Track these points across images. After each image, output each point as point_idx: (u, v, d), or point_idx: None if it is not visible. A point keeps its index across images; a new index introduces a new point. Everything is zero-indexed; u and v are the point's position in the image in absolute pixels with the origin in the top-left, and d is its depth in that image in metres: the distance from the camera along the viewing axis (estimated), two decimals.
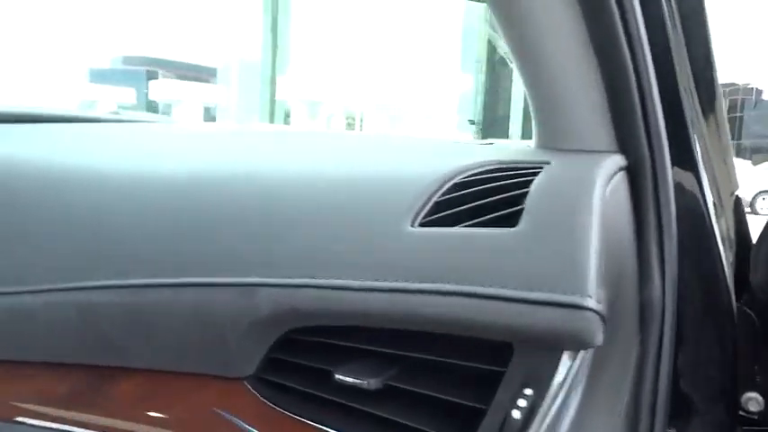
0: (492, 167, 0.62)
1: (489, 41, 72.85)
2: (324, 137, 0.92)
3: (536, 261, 0.47)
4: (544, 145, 0.74)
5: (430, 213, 0.54)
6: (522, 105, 68.62)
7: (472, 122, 33.55)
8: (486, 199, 0.55)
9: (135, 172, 0.63)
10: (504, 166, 0.63)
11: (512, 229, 0.50)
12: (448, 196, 0.56)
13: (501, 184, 0.58)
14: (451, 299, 0.46)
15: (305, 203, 0.55)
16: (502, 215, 0.53)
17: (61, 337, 0.56)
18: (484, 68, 74.92)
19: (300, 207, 0.55)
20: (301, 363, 0.54)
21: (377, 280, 0.48)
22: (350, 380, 0.50)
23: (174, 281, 0.52)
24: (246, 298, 0.51)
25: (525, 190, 0.56)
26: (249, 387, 0.53)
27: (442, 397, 0.49)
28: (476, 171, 0.61)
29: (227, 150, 0.76)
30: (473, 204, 0.55)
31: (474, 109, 68.49)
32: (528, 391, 0.46)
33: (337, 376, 0.50)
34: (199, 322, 0.52)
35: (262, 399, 0.52)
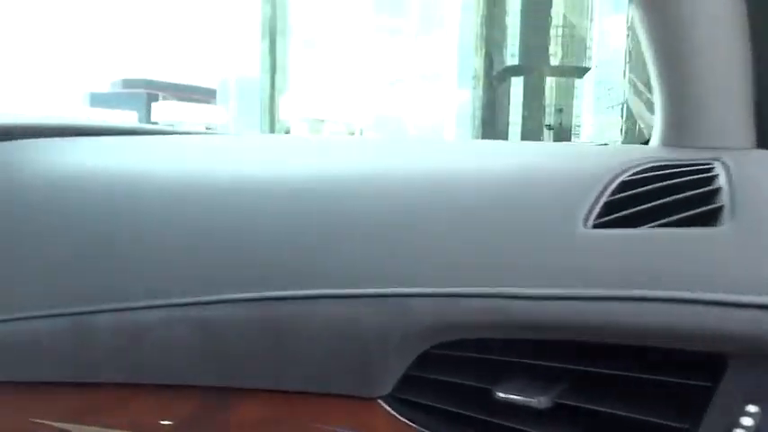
0: (653, 165, 0.59)
1: (486, 56, 73.48)
2: (415, 144, 0.86)
3: (752, 262, 0.43)
4: (672, 143, 0.69)
5: (602, 215, 0.50)
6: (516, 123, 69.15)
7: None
8: (662, 198, 0.51)
9: (248, 180, 0.60)
10: (666, 163, 0.59)
11: (716, 228, 0.46)
12: (618, 196, 0.53)
13: (673, 183, 0.54)
14: (650, 305, 0.42)
15: (453, 208, 0.52)
16: (692, 215, 0.48)
17: (177, 356, 0.52)
18: (481, 84, 75.24)
19: (447, 212, 0.52)
20: (446, 380, 0.49)
21: (551, 287, 0.44)
22: (516, 398, 0.45)
23: (309, 293, 0.49)
24: (397, 310, 0.47)
25: (709, 188, 0.52)
26: (386, 407, 0.49)
27: (628, 415, 0.44)
28: (639, 170, 0.57)
29: (328, 157, 0.71)
30: (651, 204, 0.50)
31: (472, 123, 68.73)
32: (752, 409, 0.41)
33: (500, 394, 0.46)
34: (337, 337, 0.49)
35: (402, 419, 0.49)
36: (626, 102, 43.20)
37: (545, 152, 0.73)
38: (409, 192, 0.54)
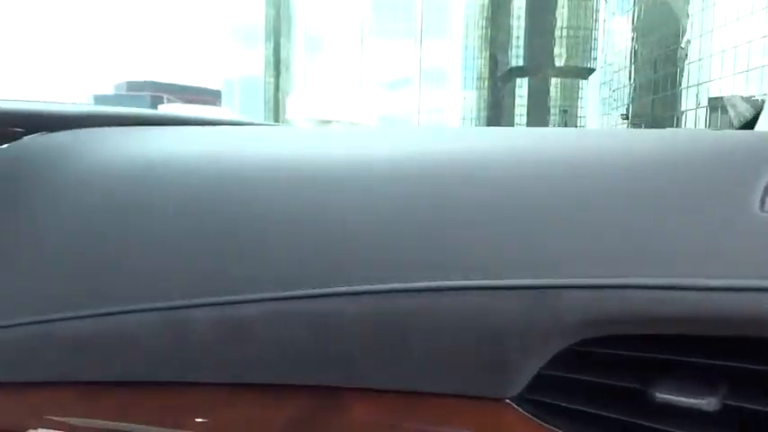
0: None
1: (491, 58, 73.42)
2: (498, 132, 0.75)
3: None
4: None
5: None
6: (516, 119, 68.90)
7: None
8: None
9: (354, 166, 0.57)
10: None
11: None
12: None
13: None
14: None
15: (602, 192, 0.49)
16: None
17: (284, 353, 0.50)
18: (486, 85, 75.18)
19: (596, 196, 0.49)
20: (584, 379, 0.46)
21: (727, 277, 0.40)
22: (681, 399, 0.41)
23: (434, 285, 0.46)
24: (543, 302, 0.44)
25: None
26: (517, 408, 0.46)
27: None
28: None
29: (426, 143, 0.66)
30: None
31: (476, 124, 68.59)
32: None
33: (661, 395, 0.42)
34: (466, 333, 0.45)
35: (537, 422, 0.45)
36: (630, 103, 43.12)
37: (682, 138, 0.65)
38: (545, 176, 0.51)
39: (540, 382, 0.46)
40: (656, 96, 38.99)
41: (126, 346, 0.52)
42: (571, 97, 70.96)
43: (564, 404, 0.45)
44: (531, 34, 68.26)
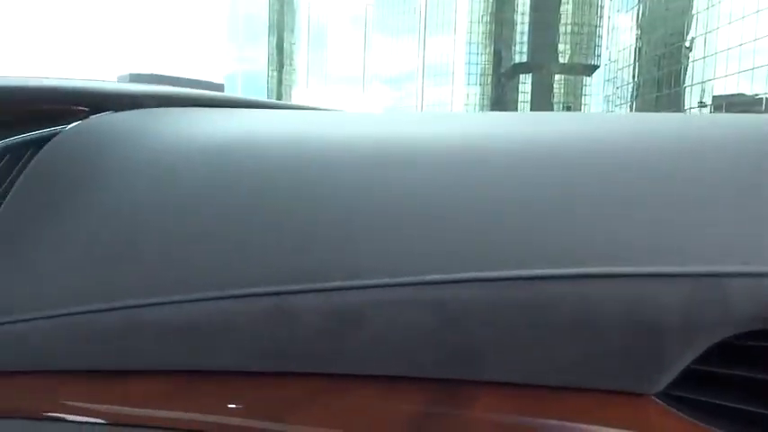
0: None
1: (494, 54, 73.28)
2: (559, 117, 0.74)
3: None
4: None
5: None
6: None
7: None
8: None
9: (469, 149, 0.53)
10: None
11: None
12: None
13: None
14: None
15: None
16: None
17: (403, 343, 0.46)
18: (490, 81, 75.13)
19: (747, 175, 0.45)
20: (738, 374, 0.42)
21: None
22: None
23: (586, 271, 0.42)
24: (707, 292, 0.40)
25: None
26: (663, 404, 0.42)
27: None
28: None
29: (512, 126, 0.63)
30: None
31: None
32: None
33: None
34: (611, 323, 0.42)
35: (688, 419, 0.42)
36: (634, 100, 43.05)
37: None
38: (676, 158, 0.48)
39: (690, 377, 0.42)
40: (659, 94, 38.91)
41: (224, 334, 0.48)
42: (575, 94, 70.82)
43: (712, 400, 0.42)
44: (536, 30, 68.12)
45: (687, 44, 35.35)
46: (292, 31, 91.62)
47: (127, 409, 0.50)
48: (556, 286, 0.42)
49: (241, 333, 0.48)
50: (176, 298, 0.48)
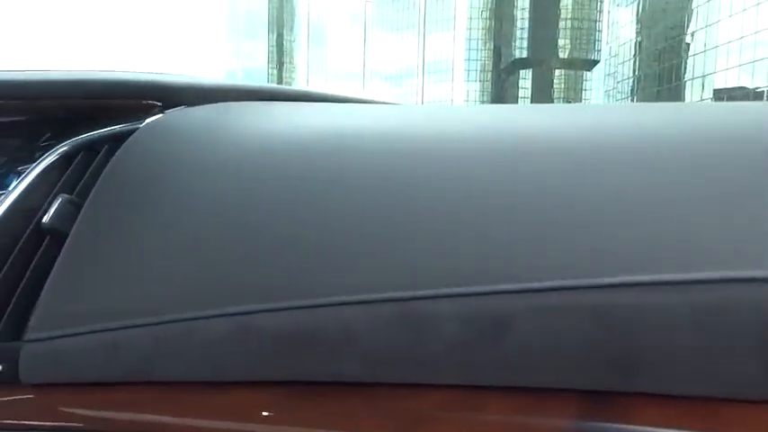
0: None
1: (494, 50, 73.22)
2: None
3: None
4: None
5: None
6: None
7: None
8: None
9: (568, 144, 0.50)
10: None
11: None
12: None
13: None
14: None
15: None
16: None
17: (552, 351, 0.42)
18: (490, 77, 75.06)
19: None
20: None
21: None
22: None
23: (741, 275, 0.39)
24: None
25: None
26: None
27: None
28: None
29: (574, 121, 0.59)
30: None
31: None
32: None
33: None
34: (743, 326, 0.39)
35: None
36: (635, 94, 42.99)
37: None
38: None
39: None
40: (660, 88, 38.85)
41: (343, 343, 0.44)
42: (575, 89, 70.75)
43: None
44: (535, 26, 68.03)
45: (687, 39, 35.29)
46: (292, 28, 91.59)
47: (227, 423, 0.47)
48: (735, 290, 0.39)
49: (363, 342, 0.44)
50: (294, 304, 0.46)
